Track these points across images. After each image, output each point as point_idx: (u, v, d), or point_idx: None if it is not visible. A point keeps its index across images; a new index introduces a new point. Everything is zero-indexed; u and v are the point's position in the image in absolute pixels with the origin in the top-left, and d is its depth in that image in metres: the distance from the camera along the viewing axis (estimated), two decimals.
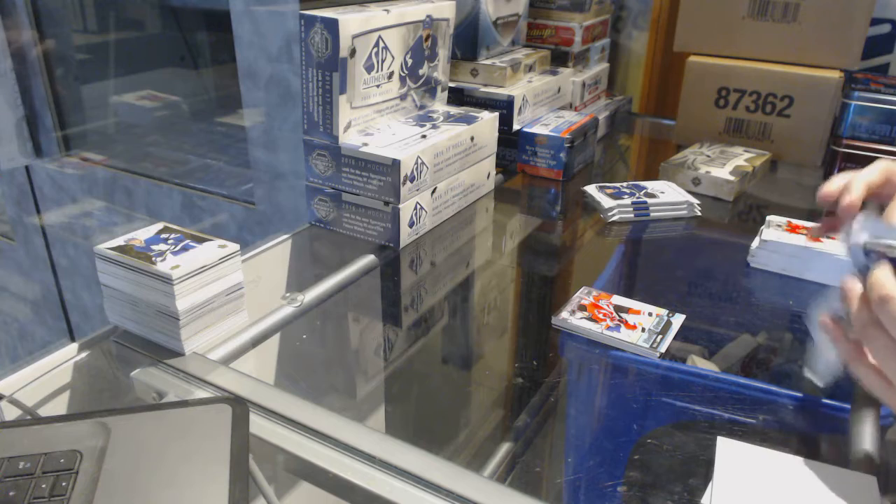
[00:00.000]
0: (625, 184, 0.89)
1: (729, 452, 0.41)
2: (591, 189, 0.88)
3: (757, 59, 1.02)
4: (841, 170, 0.94)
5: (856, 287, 0.40)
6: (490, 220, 0.88)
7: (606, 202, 0.83)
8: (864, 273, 0.40)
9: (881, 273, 0.39)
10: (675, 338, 0.58)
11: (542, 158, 0.95)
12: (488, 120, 0.85)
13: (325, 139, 0.73)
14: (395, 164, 0.69)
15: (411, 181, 0.72)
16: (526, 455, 0.59)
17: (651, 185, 0.88)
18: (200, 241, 0.54)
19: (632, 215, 0.84)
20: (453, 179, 0.80)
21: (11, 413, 0.48)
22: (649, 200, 0.84)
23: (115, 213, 2.03)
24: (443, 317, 0.71)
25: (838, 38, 0.96)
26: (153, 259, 0.51)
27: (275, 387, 0.49)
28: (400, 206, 0.71)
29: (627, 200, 0.84)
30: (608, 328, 0.59)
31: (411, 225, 0.74)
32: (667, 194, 0.86)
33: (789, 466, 0.40)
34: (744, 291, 0.74)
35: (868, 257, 0.40)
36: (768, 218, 0.76)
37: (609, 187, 0.88)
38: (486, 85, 0.94)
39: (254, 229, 1.73)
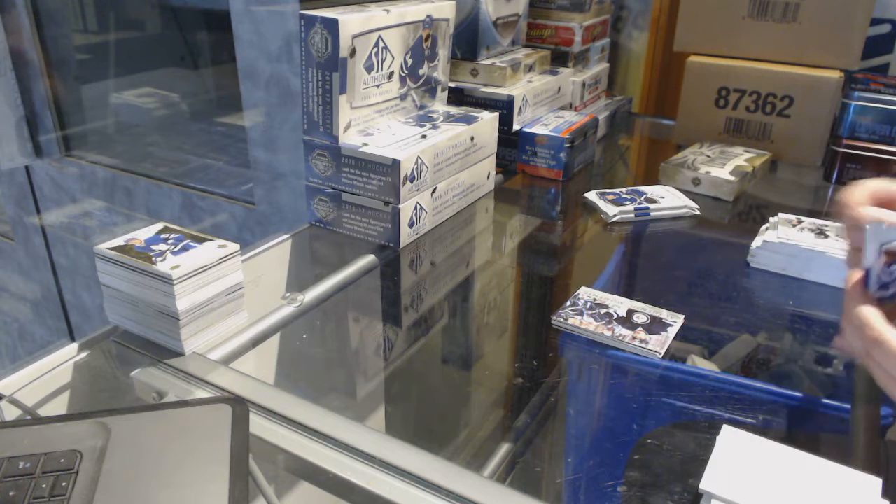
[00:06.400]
0: (624, 189, 0.89)
1: (731, 439, 0.41)
2: (592, 196, 0.88)
3: (757, 59, 1.02)
4: (841, 170, 0.94)
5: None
6: (490, 220, 0.88)
7: (609, 209, 0.83)
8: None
9: (869, 313, 0.39)
10: (675, 338, 0.58)
11: (542, 158, 0.95)
12: (488, 120, 0.85)
13: (325, 139, 0.73)
14: (395, 164, 0.69)
15: (411, 181, 0.72)
16: (526, 455, 0.59)
17: (650, 191, 0.88)
18: (200, 241, 0.54)
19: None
20: (453, 179, 0.80)
21: (11, 413, 0.48)
22: (650, 206, 0.84)
23: (115, 213, 2.03)
24: (443, 317, 0.71)
25: (838, 38, 0.96)
26: (153, 259, 0.51)
27: (275, 387, 0.49)
28: (400, 206, 0.71)
29: (629, 207, 0.83)
30: (608, 328, 0.59)
31: (411, 225, 0.74)
32: (667, 199, 0.86)
33: (792, 460, 0.39)
34: (744, 291, 0.74)
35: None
36: (771, 219, 0.76)
37: (610, 193, 0.87)
38: (486, 85, 0.94)
39: (254, 229, 1.73)
